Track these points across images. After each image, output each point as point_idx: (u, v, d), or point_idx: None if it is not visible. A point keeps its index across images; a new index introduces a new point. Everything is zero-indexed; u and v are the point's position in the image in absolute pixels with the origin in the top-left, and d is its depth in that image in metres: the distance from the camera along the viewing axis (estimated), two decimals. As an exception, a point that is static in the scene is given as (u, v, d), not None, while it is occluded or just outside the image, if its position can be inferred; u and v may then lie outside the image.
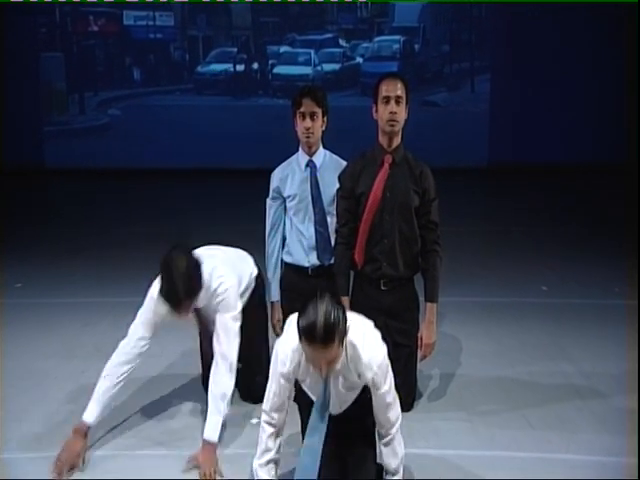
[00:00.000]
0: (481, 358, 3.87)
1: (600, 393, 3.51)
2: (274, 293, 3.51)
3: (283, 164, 3.52)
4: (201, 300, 2.93)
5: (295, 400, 2.68)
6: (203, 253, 3.02)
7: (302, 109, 3.36)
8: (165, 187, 8.28)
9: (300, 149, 3.47)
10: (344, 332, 2.30)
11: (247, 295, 3.23)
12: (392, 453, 2.57)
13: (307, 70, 9.27)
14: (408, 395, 3.21)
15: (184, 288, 2.77)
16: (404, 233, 3.21)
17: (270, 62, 9.33)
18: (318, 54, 9.27)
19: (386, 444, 2.57)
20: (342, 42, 9.30)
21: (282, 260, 3.54)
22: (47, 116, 9.23)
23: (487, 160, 9.01)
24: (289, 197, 3.45)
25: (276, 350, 2.51)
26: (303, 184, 3.42)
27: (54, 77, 9.21)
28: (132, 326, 3.01)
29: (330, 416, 2.55)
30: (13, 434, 3.10)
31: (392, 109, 3.13)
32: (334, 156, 3.50)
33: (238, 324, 2.98)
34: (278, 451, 2.55)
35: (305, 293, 2.47)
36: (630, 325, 4.25)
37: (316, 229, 3.41)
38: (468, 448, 3.03)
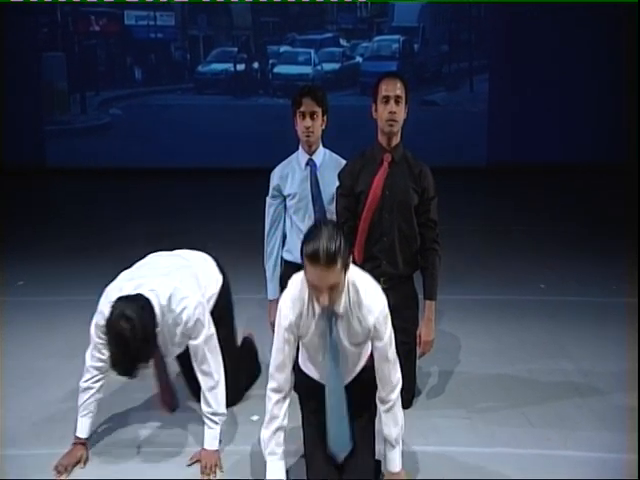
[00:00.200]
0: (480, 356, 3.87)
1: (599, 390, 3.51)
2: (273, 291, 3.51)
3: (283, 163, 3.52)
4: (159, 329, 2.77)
5: (295, 389, 2.66)
6: (159, 274, 2.87)
7: (302, 108, 3.36)
8: (166, 186, 8.28)
9: (300, 148, 3.47)
10: (346, 259, 2.34)
11: (212, 304, 3.11)
12: (393, 421, 2.56)
13: (307, 69, 9.26)
14: (407, 392, 3.20)
15: (137, 357, 2.59)
16: (403, 231, 3.21)
17: (270, 62, 9.32)
18: (318, 54, 9.27)
19: (387, 410, 2.55)
20: (342, 42, 9.29)
21: (282, 258, 3.54)
22: (49, 115, 9.22)
23: (486, 159, 9.01)
24: (289, 196, 3.45)
25: (279, 307, 2.51)
26: (303, 183, 3.42)
27: (56, 77, 9.20)
28: (87, 357, 2.88)
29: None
30: (14, 431, 3.10)
31: (391, 109, 3.13)
32: (334, 155, 3.50)
33: (215, 337, 2.89)
34: (285, 418, 2.55)
35: None
36: (629, 323, 4.25)
37: None
38: (467, 445, 3.03)
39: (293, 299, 2.48)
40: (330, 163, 3.45)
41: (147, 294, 2.71)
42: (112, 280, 2.92)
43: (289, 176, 3.46)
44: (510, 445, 3.03)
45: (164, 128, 9.06)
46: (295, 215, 3.46)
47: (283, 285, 3.52)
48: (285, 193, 3.46)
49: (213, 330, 2.89)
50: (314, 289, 2.35)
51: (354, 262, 3.23)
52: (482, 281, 5.02)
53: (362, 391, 2.61)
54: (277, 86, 9.25)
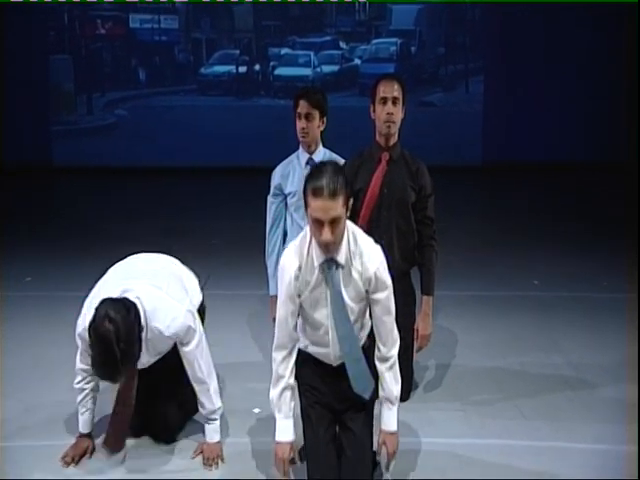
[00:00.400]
0: (475, 350, 3.88)
1: (589, 383, 3.52)
2: (274, 287, 3.51)
3: (284, 162, 3.53)
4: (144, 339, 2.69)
5: (296, 378, 2.62)
6: (145, 279, 2.81)
7: (298, 110, 3.39)
8: (169, 185, 8.28)
9: (300, 147, 3.48)
10: (347, 197, 2.36)
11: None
12: (395, 379, 2.55)
13: (307, 71, 9.25)
14: (405, 385, 3.20)
15: (121, 360, 2.48)
16: (401, 228, 3.21)
17: (271, 64, 9.31)
18: (318, 56, 9.26)
19: (389, 368, 2.54)
20: (341, 44, 9.28)
21: None
22: (56, 116, 9.22)
23: (481, 158, 9.00)
24: (290, 194, 3.45)
25: (281, 265, 2.50)
26: (303, 180, 3.42)
27: (63, 78, 9.19)
28: (76, 359, 2.84)
29: (331, 402, 2.54)
30: (24, 422, 3.11)
31: (389, 110, 3.13)
32: (333, 154, 3.50)
33: (204, 338, 2.84)
34: (290, 377, 2.53)
35: None
36: (619, 317, 4.26)
37: None
38: (461, 436, 3.04)
39: (293, 253, 2.47)
40: None
41: (133, 300, 2.65)
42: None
43: (290, 175, 3.47)
44: (502, 436, 3.04)
45: (168, 128, 9.05)
46: (296, 213, 3.46)
47: None
48: (286, 191, 3.47)
49: (202, 331, 2.85)
50: (317, 225, 2.33)
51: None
52: (478, 277, 5.02)
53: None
54: (278, 87, 9.24)
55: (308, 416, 2.58)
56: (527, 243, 5.88)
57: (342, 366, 2.53)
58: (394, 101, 3.14)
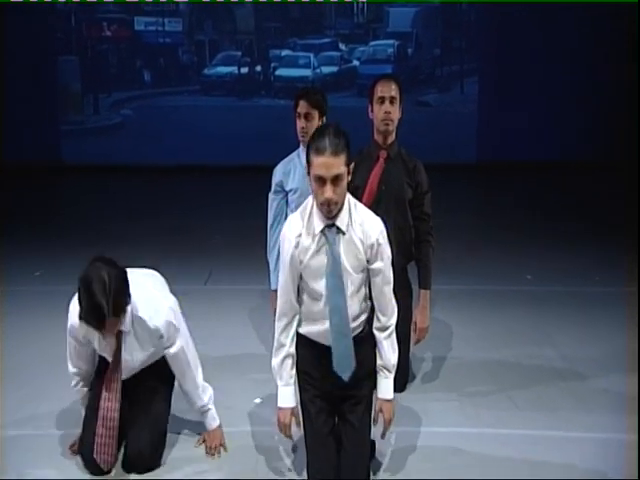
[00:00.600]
0: (470, 342, 3.88)
1: (580, 375, 3.52)
2: (276, 281, 3.49)
3: (285, 160, 3.52)
4: (127, 325, 2.64)
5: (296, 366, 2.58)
6: (133, 273, 2.72)
7: (298, 110, 3.37)
8: (173, 182, 8.27)
9: (301, 146, 3.47)
10: (349, 158, 2.36)
11: None
12: (392, 348, 2.53)
13: (307, 72, 9.23)
14: (401, 377, 3.21)
15: (110, 302, 2.43)
16: (398, 224, 3.20)
17: (272, 65, 9.29)
18: (317, 57, 9.24)
19: (387, 337, 2.52)
20: (340, 46, 9.26)
21: None
22: (64, 116, 9.20)
23: (475, 157, 8.99)
24: (291, 191, 3.44)
25: (281, 239, 2.49)
26: (304, 178, 3.41)
27: (70, 79, 9.18)
28: (69, 368, 2.81)
29: (329, 390, 2.51)
30: (30, 413, 3.12)
31: (387, 109, 3.13)
32: None
33: (190, 341, 2.82)
34: (291, 346, 2.51)
35: None
36: (610, 311, 4.26)
37: None
38: (457, 426, 3.05)
39: (294, 222, 2.46)
40: None
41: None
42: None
43: (291, 172, 3.46)
44: (496, 425, 3.04)
45: (172, 128, 9.04)
46: (297, 209, 3.45)
47: None
48: (287, 188, 3.46)
49: (186, 329, 2.81)
50: (319, 183, 2.32)
51: None
52: (473, 272, 5.02)
53: (360, 367, 2.52)
54: (278, 88, 9.22)
55: (308, 410, 2.55)
56: (520, 239, 5.87)
57: None
58: (391, 100, 3.13)
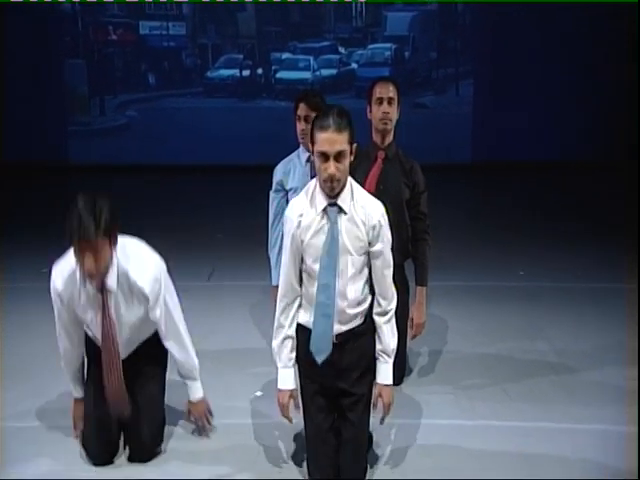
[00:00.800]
0: (465, 337, 3.87)
1: (571, 368, 3.52)
2: (277, 277, 3.47)
3: (285, 160, 3.51)
4: (113, 279, 2.53)
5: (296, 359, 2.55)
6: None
7: (298, 112, 3.36)
8: (177, 182, 8.25)
9: (301, 147, 3.46)
10: (352, 136, 2.35)
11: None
12: (392, 332, 2.50)
13: (307, 75, 9.22)
14: (399, 371, 3.19)
15: (100, 219, 2.37)
16: (396, 223, 3.17)
17: (273, 68, 9.28)
18: (317, 60, 9.23)
19: (388, 321, 2.49)
20: (339, 49, 9.26)
21: None
22: (71, 117, 9.19)
23: (470, 157, 8.98)
24: (291, 189, 3.43)
25: (284, 220, 2.49)
26: (304, 177, 3.40)
27: (77, 82, 9.17)
28: (59, 347, 2.74)
29: (331, 383, 2.47)
30: (35, 406, 3.11)
31: (385, 109, 3.12)
32: None
33: (178, 305, 2.73)
34: (290, 327, 2.48)
35: None
36: (599, 306, 4.27)
37: None
38: (452, 418, 3.04)
39: (297, 202, 2.45)
40: None
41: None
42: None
43: (291, 172, 3.45)
44: (490, 418, 3.04)
45: (176, 129, 9.03)
46: None
47: None
48: (287, 187, 3.45)
49: (176, 297, 2.71)
50: (322, 159, 2.32)
51: None
52: (468, 269, 5.01)
53: (359, 361, 2.50)
54: (279, 90, 9.21)
55: (308, 408, 2.53)
56: (512, 236, 5.86)
57: (336, 344, 2.45)
58: (389, 101, 3.13)
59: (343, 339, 2.45)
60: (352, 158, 2.39)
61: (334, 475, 2.52)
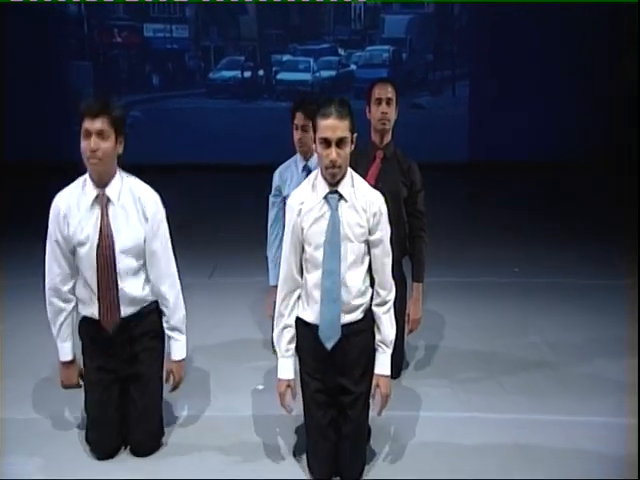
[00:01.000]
0: (461, 332, 3.87)
1: (564, 361, 3.52)
2: (274, 278, 3.29)
3: (283, 165, 3.47)
4: (115, 189, 2.51)
5: (296, 350, 2.54)
6: None
7: (295, 121, 3.31)
8: (180, 181, 8.23)
9: (298, 154, 3.41)
10: (352, 125, 2.36)
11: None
12: (391, 322, 2.49)
13: (307, 76, 9.22)
14: (396, 364, 3.19)
15: (108, 104, 2.47)
16: (393, 221, 3.16)
17: (274, 69, 9.28)
18: (317, 62, 9.22)
19: (386, 311, 2.48)
20: (338, 51, 9.25)
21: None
22: (76, 118, 9.16)
23: (467, 157, 8.97)
24: (288, 196, 3.39)
25: (287, 208, 2.48)
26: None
27: (83, 83, 9.15)
28: (48, 280, 2.59)
29: (331, 378, 2.46)
30: (44, 398, 3.10)
31: (383, 109, 3.12)
32: None
33: (170, 245, 2.65)
34: (289, 317, 2.47)
35: None
36: (591, 301, 4.27)
37: None
38: (449, 410, 3.04)
39: (299, 190, 2.46)
40: None
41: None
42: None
43: (288, 179, 3.40)
44: (486, 410, 3.04)
45: (179, 129, 9.02)
46: None
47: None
48: (285, 193, 3.40)
49: (170, 242, 2.64)
50: (324, 146, 2.33)
51: None
52: (464, 265, 5.01)
53: (359, 356, 2.49)
54: (280, 91, 9.21)
55: (308, 405, 2.52)
56: (507, 233, 5.86)
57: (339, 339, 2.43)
58: (388, 102, 3.12)
59: (344, 335, 2.44)
60: (352, 147, 2.39)
61: (334, 469, 2.52)
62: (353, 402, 2.49)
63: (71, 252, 2.58)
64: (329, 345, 2.42)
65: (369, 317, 2.49)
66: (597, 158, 8.19)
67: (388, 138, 3.20)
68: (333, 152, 2.31)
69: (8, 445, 2.72)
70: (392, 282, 2.50)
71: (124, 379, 2.65)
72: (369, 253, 2.45)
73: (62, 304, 2.62)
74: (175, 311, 2.66)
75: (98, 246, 2.52)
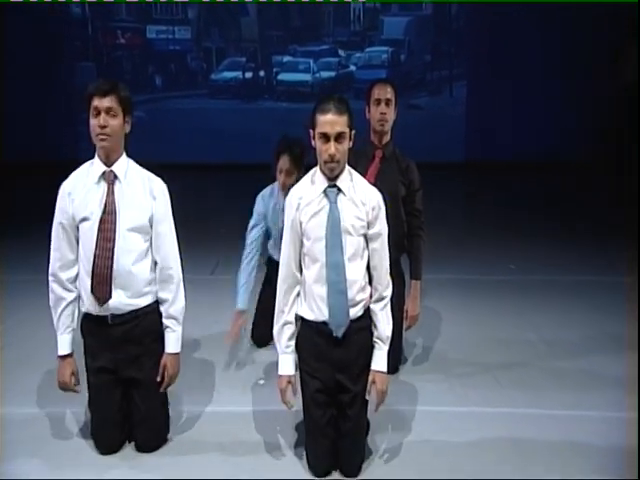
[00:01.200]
0: (458, 328, 3.87)
1: (559, 357, 3.52)
2: (244, 302, 3.23)
3: (267, 194, 3.35)
4: (122, 167, 2.53)
5: (296, 346, 2.52)
6: None
7: (280, 164, 3.20)
8: (182, 179, 8.19)
9: (280, 193, 3.27)
10: (351, 121, 2.38)
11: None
12: (388, 318, 2.49)
13: (307, 77, 9.21)
14: (394, 360, 3.20)
15: (117, 85, 2.53)
16: (392, 219, 3.16)
17: (274, 70, 9.28)
18: (317, 63, 9.22)
19: (383, 307, 2.48)
20: (338, 52, 9.24)
21: (268, 258, 3.44)
22: (81, 117, 9.16)
23: (464, 157, 8.98)
24: (270, 229, 3.36)
25: (285, 206, 2.48)
26: (275, 224, 3.30)
27: (87, 84, 9.14)
28: (50, 272, 2.54)
29: (330, 376, 2.46)
30: (50, 393, 3.08)
31: (382, 110, 3.11)
32: None
33: (174, 232, 2.60)
34: (288, 313, 2.45)
35: None
36: (585, 298, 4.27)
37: None
38: (446, 405, 3.04)
39: (298, 186, 2.46)
40: None
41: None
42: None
43: (269, 212, 3.31)
44: (482, 404, 3.04)
45: (181, 128, 9.03)
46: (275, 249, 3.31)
47: (267, 284, 3.37)
48: (265, 223, 3.33)
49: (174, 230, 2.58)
50: (323, 141, 2.34)
51: None
52: (461, 263, 5.01)
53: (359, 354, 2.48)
54: (280, 92, 9.22)
55: (307, 404, 2.51)
56: (503, 232, 5.87)
57: (336, 337, 2.43)
58: (387, 102, 3.12)
59: (345, 332, 2.44)
60: (351, 144, 2.40)
61: (333, 465, 2.52)
62: (352, 401, 2.48)
63: (75, 235, 2.53)
64: (339, 333, 2.41)
65: (368, 316, 2.49)
66: (597, 158, 8.19)
67: (387, 138, 3.20)
68: (332, 147, 2.33)
69: (8, 444, 2.71)
70: (389, 279, 2.50)
71: (126, 381, 2.61)
72: (367, 248, 2.45)
73: (62, 292, 2.56)
74: (176, 299, 2.60)
75: (101, 221, 2.49)
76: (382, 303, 2.49)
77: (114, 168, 2.56)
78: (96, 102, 2.52)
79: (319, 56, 9.22)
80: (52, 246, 2.58)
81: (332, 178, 2.39)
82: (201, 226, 5.96)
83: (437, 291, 4.27)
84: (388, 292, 2.50)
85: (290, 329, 2.48)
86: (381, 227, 2.44)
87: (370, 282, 2.49)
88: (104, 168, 2.56)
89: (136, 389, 2.61)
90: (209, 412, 2.96)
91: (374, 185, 3.11)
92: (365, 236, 2.43)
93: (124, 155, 2.62)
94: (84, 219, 2.52)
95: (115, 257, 2.49)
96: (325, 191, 2.39)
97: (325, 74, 9.21)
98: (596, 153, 8.30)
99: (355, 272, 2.42)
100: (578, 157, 8.40)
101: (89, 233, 2.51)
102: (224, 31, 9.28)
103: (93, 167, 2.58)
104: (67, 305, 2.58)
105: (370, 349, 2.49)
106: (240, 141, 8.88)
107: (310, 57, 9.21)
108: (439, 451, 2.69)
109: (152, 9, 9.16)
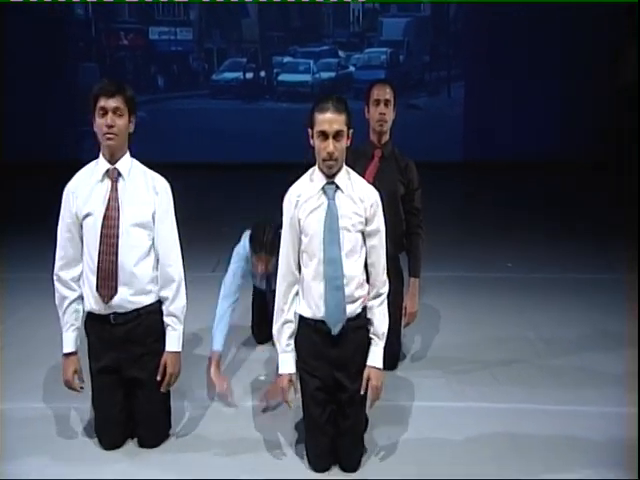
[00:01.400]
0: (456, 325, 3.88)
1: (557, 354, 3.52)
2: (220, 343, 3.03)
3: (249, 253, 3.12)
4: (125, 165, 2.55)
5: (295, 344, 2.51)
6: None
7: (256, 261, 3.04)
8: (183, 178, 8.18)
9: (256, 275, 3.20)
10: (349, 119, 2.38)
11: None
12: (384, 315, 2.48)
13: (307, 78, 9.21)
14: (393, 356, 3.21)
15: (121, 85, 2.60)
16: (391, 218, 3.17)
17: (275, 71, 9.28)
18: (317, 64, 9.22)
19: (380, 304, 2.47)
20: (338, 53, 9.24)
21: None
22: (83, 117, 9.15)
23: (462, 156, 8.98)
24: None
25: (283, 205, 2.47)
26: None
27: (90, 84, 9.11)
28: (55, 273, 2.56)
29: (329, 374, 2.46)
30: (48, 391, 3.10)
31: (381, 110, 3.12)
32: None
33: (176, 233, 2.60)
34: (288, 312, 2.45)
35: None
36: (584, 296, 4.27)
37: None
38: (444, 400, 3.05)
39: (297, 184, 2.46)
40: None
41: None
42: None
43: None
44: (479, 400, 3.05)
45: (183, 128, 9.02)
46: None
47: (255, 310, 3.41)
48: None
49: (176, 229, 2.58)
50: (322, 139, 2.34)
51: None
52: (459, 261, 5.01)
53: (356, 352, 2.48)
54: (281, 92, 9.22)
55: (307, 402, 2.51)
56: (500, 230, 5.87)
57: (336, 335, 2.43)
58: (386, 103, 3.12)
59: (342, 330, 2.43)
60: (348, 143, 2.40)
61: (332, 460, 2.52)
62: (350, 399, 2.48)
63: (79, 234, 2.54)
64: (336, 330, 2.40)
65: (365, 314, 2.49)
66: (597, 158, 8.19)
67: (386, 138, 3.20)
68: (330, 144, 2.33)
69: (9, 442, 2.71)
70: (385, 277, 2.50)
71: (129, 381, 2.61)
72: (365, 245, 2.45)
73: (65, 290, 2.58)
74: (177, 297, 2.59)
75: (104, 217, 2.50)
76: (379, 300, 2.49)
77: (118, 165, 2.59)
78: (103, 102, 2.55)
79: (319, 57, 9.22)
80: (57, 245, 2.60)
81: (330, 176, 2.40)
82: (202, 225, 5.96)
83: (436, 288, 4.27)
84: (385, 289, 2.50)
85: (290, 328, 2.47)
86: (379, 224, 2.45)
87: (368, 279, 2.49)
88: (108, 166, 2.58)
89: (139, 389, 2.61)
90: (211, 407, 2.96)
91: (373, 184, 3.12)
92: (363, 233, 2.43)
93: (127, 154, 2.64)
94: (87, 215, 2.53)
95: (119, 253, 2.50)
96: (323, 188, 2.39)
97: (325, 75, 9.21)
98: (596, 153, 8.30)
99: (353, 268, 2.41)
100: (578, 157, 8.39)
101: (93, 230, 2.52)
102: (225, 32, 9.28)
103: (97, 166, 2.61)
104: (70, 303, 2.59)
105: (367, 347, 2.48)
106: (241, 141, 8.88)
107: (310, 58, 9.20)
108: (437, 446, 2.70)
109: (154, 11, 9.16)
